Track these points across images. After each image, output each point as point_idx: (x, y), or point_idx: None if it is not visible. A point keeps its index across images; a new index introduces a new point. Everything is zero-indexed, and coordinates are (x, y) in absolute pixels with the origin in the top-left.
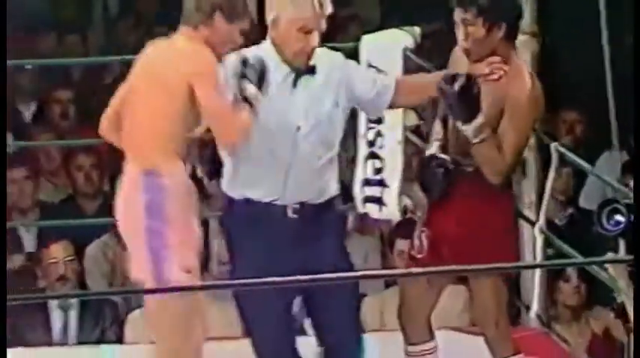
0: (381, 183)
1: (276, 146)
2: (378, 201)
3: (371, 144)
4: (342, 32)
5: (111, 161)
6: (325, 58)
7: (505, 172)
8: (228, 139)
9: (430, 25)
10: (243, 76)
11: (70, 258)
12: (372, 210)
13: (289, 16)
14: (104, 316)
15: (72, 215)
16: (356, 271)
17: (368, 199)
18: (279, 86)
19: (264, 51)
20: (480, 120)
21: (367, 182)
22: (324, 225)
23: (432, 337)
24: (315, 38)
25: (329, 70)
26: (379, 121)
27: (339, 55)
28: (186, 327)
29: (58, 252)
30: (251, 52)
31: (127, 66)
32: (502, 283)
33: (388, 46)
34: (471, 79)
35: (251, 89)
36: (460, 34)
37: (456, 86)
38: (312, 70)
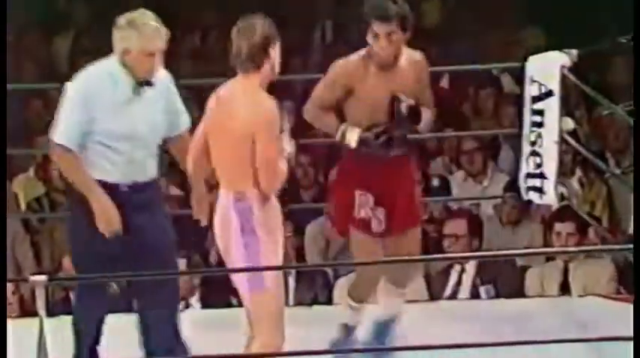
0: (541, 176)
1: (124, 141)
2: (539, 190)
3: (533, 144)
4: (509, 55)
5: (322, 159)
6: (159, 74)
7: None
8: (272, 187)
9: (586, 49)
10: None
11: (288, 235)
12: (534, 197)
13: (141, 48)
14: (316, 282)
15: (293, 201)
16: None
17: (531, 189)
18: (128, 96)
19: (112, 69)
20: (426, 114)
21: (530, 175)
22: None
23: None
24: (158, 60)
25: (161, 84)
26: (540, 125)
27: (166, 75)
28: (281, 322)
29: None
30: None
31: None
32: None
33: (549, 65)
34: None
35: (287, 146)
36: (384, 42)
37: (405, 111)
38: (150, 84)
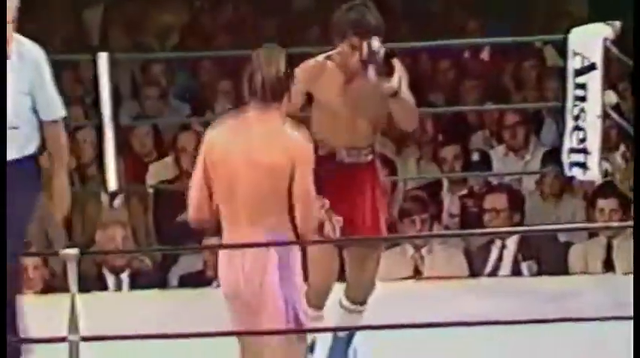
0: (585, 151)
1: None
2: (583, 165)
3: (576, 118)
4: (555, 25)
5: None
6: (25, 48)
7: (417, 118)
8: (309, 223)
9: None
10: None
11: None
12: (578, 173)
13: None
14: None
15: None
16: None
17: (574, 164)
18: None
19: None
20: (397, 76)
21: (573, 150)
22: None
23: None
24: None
25: (25, 62)
26: (583, 99)
27: (37, 51)
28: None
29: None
30: None
31: None
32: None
33: (591, 37)
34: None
35: None
36: (367, 53)
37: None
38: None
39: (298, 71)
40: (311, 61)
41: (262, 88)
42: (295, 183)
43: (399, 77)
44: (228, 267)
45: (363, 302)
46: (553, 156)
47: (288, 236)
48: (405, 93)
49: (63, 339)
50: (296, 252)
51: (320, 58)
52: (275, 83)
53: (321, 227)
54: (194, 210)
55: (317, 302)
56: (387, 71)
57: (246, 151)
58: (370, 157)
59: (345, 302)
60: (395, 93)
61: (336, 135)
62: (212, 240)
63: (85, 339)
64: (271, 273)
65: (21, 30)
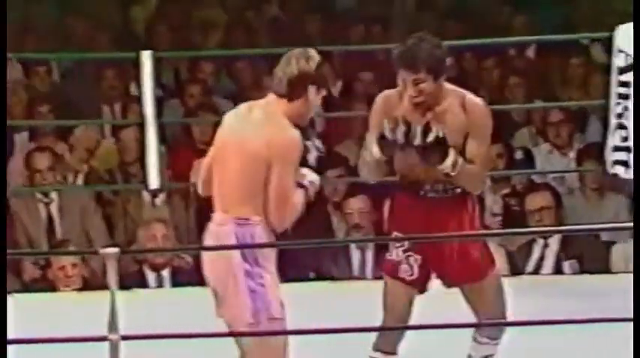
0: (628, 149)
1: None
2: (625, 164)
3: (619, 116)
4: (599, 23)
5: None
6: None
7: (484, 181)
8: (281, 221)
9: None
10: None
11: (364, 211)
12: (620, 171)
13: None
14: None
15: None
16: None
17: (617, 162)
18: None
19: None
20: (452, 156)
21: (616, 148)
22: None
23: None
24: None
25: None
26: (626, 97)
27: None
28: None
29: (355, 204)
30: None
31: None
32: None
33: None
34: (429, 129)
35: (311, 176)
36: (411, 91)
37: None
38: None
39: (377, 99)
40: (390, 91)
41: (276, 83)
42: (271, 179)
43: (454, 158)
44: (206, 262)
45: (495, 337)
46: (594, 152)
47: (257, 229)
48: (467, 167)
49: (103, 338)
50: (267, 248)
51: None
52: (287, 80)
53: (395, 267)
54: (201, 186)
55: (386, 346)
56: (440, 154)
57: (238, 137)
58: (458, 191)
59: (480, 339)
60: (449, 174)
61: (413, 169)
62: None
63: (126, 338)
64: (237, 268)
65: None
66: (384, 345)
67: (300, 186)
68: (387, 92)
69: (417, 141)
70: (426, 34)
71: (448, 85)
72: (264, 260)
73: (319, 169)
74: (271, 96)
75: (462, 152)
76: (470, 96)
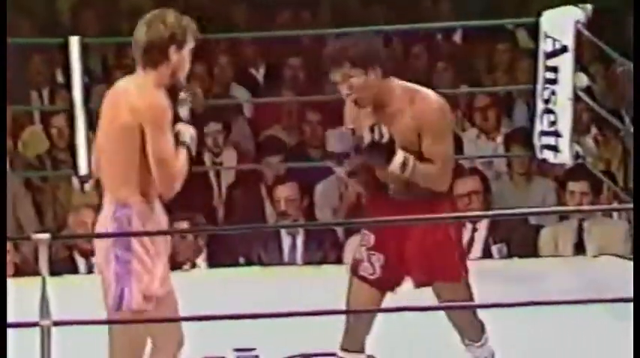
0: (556, 134)
1: None
2: (554, 148)
3: (546, 101)
4: (525, 8)
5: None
6: None
7: (446, 180)
8: (170, 186)
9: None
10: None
11: (292, 198)
12: (549, 156)
13: None
14: (325, 241)
15: (301, 160)
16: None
17: (545, 147)
18: None
19: None
20: (399, 157)
21: (544, 133)
22: None
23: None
24: None
25: None
26: (554, 82)
27: None
28: (138, 347)
29: (282, 192)
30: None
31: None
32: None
33: (563, 20)
34: (373, 131)
35: (190, 132)
36: (344, 89)
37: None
38: None
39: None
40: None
41: (136, 51)
42: (147, 147)
43: (402, 159)
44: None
45: (477, 340)
46: (521, 137)
47: (133, 212)
48: (421, 167)
49: (35, 324)
50: (137, 227)
51: None
52: (147, 49)
53: (356, 265)
54: (95, 170)
55: (352, 345)
56: (388, 156)
57: (106, 114)
58: (429, 193)
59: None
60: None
61: (378, 170)
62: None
63: (57, 324)
64: (108, 252)
65: None
66: (350, 344)
67: (181, 144)
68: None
69: (364, 143)
70: (355, 28)
71: (398, 82)
72: (139, 246)
73: None
74: (139, 69)
75: (420, 151)
76: (421, 92)
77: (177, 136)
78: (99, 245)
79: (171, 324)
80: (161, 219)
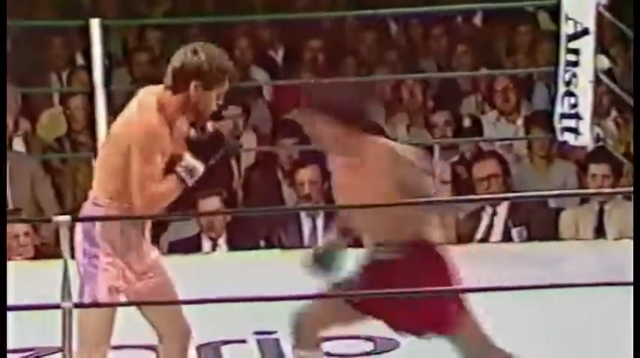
0: (577, 116)
1: None
2: (574, 131)
3: (567, 83)
4: None
5: None
6: None
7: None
8: (141, 208)
9: None
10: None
11: (314, 181)
12: (570, 138)
13: None
14: None
15: None
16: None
17: (565, 129)
18: None
19: None
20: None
21: (565, 115)
22: None
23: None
24: None
25: None
26: (575, 64)
27: None
28: (100, 337)
29: (305, 175)
30: None
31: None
32: None
33: (585, 2)
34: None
35: (191, 164)
36: None
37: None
38: None
39: None
40: None
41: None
42: (131, 164)
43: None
44: None
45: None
46: (542, 120)
47: (101, 211)
48: None
49: (57, 306)
50: (107, 228)
51: None
52: (170, 72)
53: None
54: None
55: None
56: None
57: (123, 112)
58: (404, 252)
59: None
60: None
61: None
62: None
63: (78, 306)
64: (78, 246)
65: None
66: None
67: (175, 172)
68: None
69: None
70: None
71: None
72: (104, 241)
73: None
74: (162, 85)
75: None
76: None
77: (178, 162)
78: (75, 238)
79: (170, 312)
80: (139, 232)
